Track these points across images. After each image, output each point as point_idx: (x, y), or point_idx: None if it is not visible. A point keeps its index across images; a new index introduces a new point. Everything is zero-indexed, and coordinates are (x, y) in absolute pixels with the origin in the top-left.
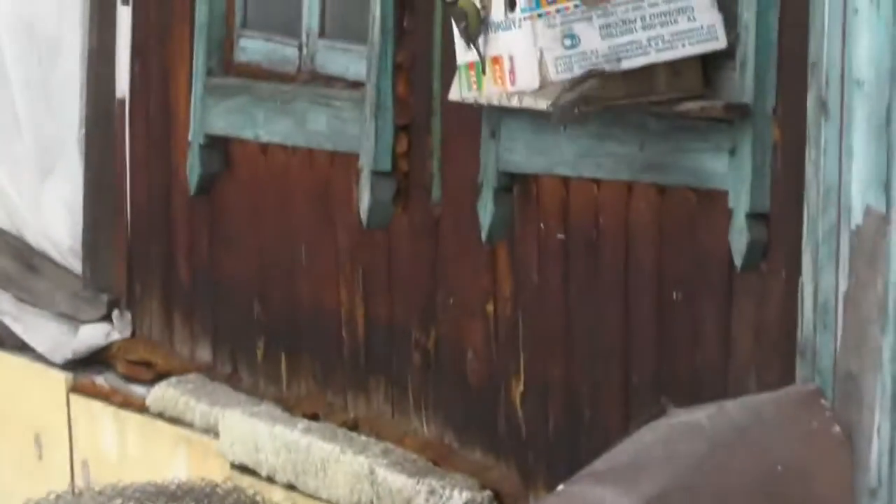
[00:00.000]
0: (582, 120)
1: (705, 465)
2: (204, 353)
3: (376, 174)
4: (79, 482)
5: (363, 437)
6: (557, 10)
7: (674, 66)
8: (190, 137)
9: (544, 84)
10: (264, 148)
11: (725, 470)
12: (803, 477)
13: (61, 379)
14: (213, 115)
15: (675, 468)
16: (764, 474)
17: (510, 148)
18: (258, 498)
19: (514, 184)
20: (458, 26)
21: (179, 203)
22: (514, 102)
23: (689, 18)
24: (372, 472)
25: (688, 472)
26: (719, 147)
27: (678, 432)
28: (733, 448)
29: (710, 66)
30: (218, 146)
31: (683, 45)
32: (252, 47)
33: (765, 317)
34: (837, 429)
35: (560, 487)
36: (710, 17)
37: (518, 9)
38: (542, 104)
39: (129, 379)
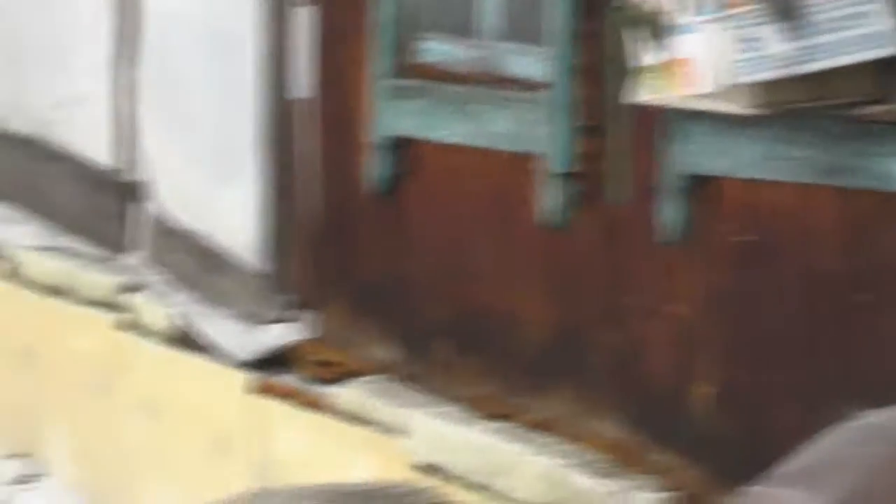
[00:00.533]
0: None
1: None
2: (388, 354)
3: (557, 175)
4: (261, 484)
5: (550, 438)
6: (738, 14)
7: (853, 70)
8: (371, 138)
9: (724, 87)
10: (445, 149)
11: None
12: None
13: (243, 380)
14: (394, 117)
15: (864, 470)
16: None
17: (690, 150)
18: (449, 499)
19: (694, 186)
20: (635, 31)
21: (361, 203)
22: (695, 105)
23: (865, 24)
24: (560, 473)
25: (877, 474)
26: None
27: (866, 434)
28: None
29: (886, 70)
30: (399, 147)
31: (860, 50)
32: (432, 49)
33: None
34: None
35: (749, 489)
36: (885, 23)
37: (700, 12)
38: (721, 106)
39: (313, 379)
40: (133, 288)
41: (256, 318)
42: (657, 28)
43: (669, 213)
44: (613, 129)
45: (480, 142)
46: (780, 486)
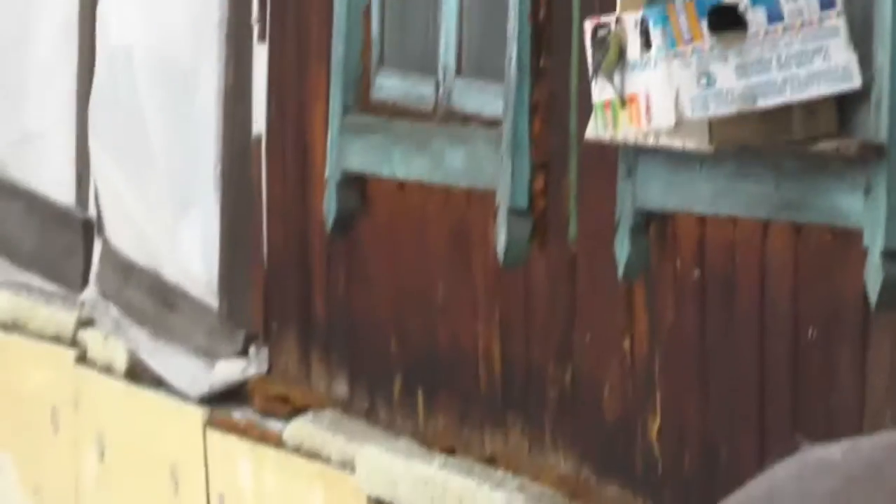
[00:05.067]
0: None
1: (839, 502)
2: (341, 389)
3: (513, 212)
4: None
5: (500, 473)
6: (693, 50)
7: (808, 106)
8: (327, 175)
9: (680, 123)
10: (401, 186)
11: None
12: None
13: (198, 414)
14: (349, 153)
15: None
16: None
17: (646, 186)
18: None
19: (650, 222)
20: (595, 61)
21: (316, 240)
22: (651, 141)
23: (824, 58)
24: None
25: None
26: (854, 186)
27: (812, 468)
28: (867, 485)
29: (844, 105)
30: (355, 184)
31: (818, 85)
32: (389, 85)
33: None
34: None
35: None
36: (844, 58)
37: (654, 48)
38: (678, 143)
39: (266, 414)
40: (89, 324)
41: (210, 354)
42: (618, 62)
43: (625, 250)
44: (570, 166)
45: (437, 178)
46: None
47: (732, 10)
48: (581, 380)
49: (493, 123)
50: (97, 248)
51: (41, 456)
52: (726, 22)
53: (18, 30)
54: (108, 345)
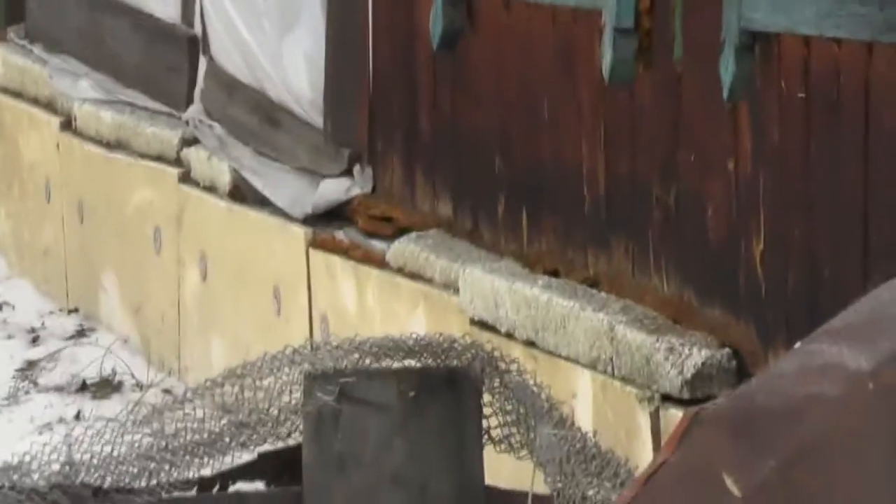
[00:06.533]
0: None
1: None
2: (445, 209)
3: (619, 31)
4: (317, 337)
5: (603, 295)
6: None
7: None
8: None
9: None
10: (507, 3)
11: None
12: None
13: (301, 234)
14: None
15: None
16: None
17: (752, 6)
18: (497, 353)
19: (755, 42)
20: None
21: (422, 57)
22: None
23: None
24: (611, 329)
25: None
26: None
27: None
28: None
29: None
30: (461, 1)
31: None
32: None
33: None
34: None
35: (797, 345)
36: None
37: None
38: None
39: (369, 234)
40: (193, 142)
41: (314, 173)
42: None
43: (730, 70)
44: None
45: None
46: (828, 343)
47: None
48: (685, 201)
49: None
50: (202, 65)
51: (144, 275)
52: None
53: None
54: (212, 163)
